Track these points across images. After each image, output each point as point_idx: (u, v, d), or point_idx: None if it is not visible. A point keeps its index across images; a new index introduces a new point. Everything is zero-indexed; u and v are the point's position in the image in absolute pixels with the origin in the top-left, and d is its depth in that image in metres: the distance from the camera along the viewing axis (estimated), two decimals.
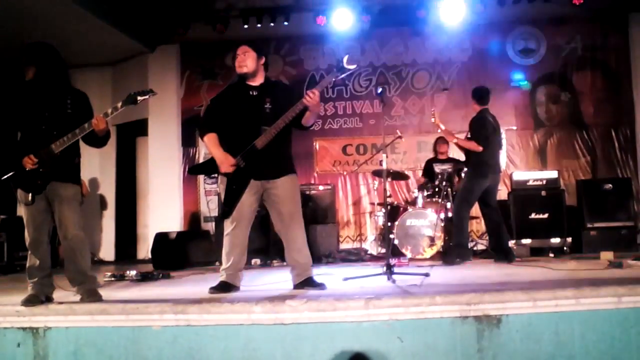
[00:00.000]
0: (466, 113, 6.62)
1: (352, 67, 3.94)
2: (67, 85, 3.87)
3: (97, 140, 3.81)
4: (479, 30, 9.02)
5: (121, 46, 9.17)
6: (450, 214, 6.75)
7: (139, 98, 3.73)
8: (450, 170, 7.19)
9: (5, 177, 3.73)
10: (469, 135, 6.14)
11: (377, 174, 7.60)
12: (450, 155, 7.81)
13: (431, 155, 8.08)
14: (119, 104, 3.72)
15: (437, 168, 7.56)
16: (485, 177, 5.93)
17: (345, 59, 3.92)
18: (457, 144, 6.28)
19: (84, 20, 7.95)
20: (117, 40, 8.81)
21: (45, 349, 3.40)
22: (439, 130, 6.39)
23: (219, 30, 8.90)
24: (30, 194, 3.69)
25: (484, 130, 5.98)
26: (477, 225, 8.25)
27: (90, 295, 3.78)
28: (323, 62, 9.16)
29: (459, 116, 8.44)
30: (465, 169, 6.38)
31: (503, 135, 8.28)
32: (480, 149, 5.88)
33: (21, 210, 3.82)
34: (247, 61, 4.04)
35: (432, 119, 6.38)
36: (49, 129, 3.70)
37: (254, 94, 4.07)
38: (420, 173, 8.24)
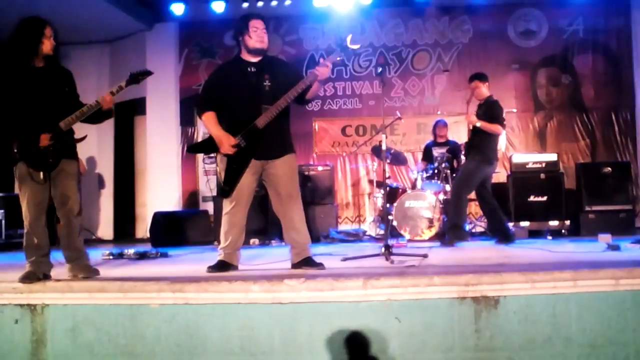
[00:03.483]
0: (466, 95, 6.57)
1: (356, 46, 3.92)
2: (58, 63, 3.89)
3: (101, 117, 3.85)
4: (480, 11, 8.94)
5: (119, 24, 9.08)
6: (449, 196, 6.75)
7: (139, 77, 3.81)
8: (448, 153, 7.17)
9: (20, 155, 3.69)
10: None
11: (375, 151, 7.51)
12: (450, 138, 7.79)
13: (430, 138, 8.05)
14: (123, 83, 3.78)
15: (436, 152, 7.55)
16: (491, 164, 5.99)
17: (348, 39, 3.88)
18: (482, 127, 6.06)
19: None
20: (115, 17, 8.72)
21: (43, 325, 3.41)
22: (466, 117, 6.23)
23: (217, 9, 8.80)
24: (41, 173, 3.69)
25: (501, 115, 6.02)
26: (476, 208, 8.25)
27: (89, 271, 3.83)
28: (323, 41, 9.08)
29: (459, 98, 8.39)
30: (465, 152, 6.35)
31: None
32: (502, 132, 5.96)
33: (17, 188, 3.79)
34: (265, 38, 4.00)
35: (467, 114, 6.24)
36: (54, 107, 3.72)
37: (253, 70, 4.02)
38: (420, 156, 8.23)
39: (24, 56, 3.71)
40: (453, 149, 7.38)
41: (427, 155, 7.74)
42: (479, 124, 6.02)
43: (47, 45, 3.72)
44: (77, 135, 3.92)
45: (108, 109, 3.80)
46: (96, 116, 3.82)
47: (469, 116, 6.13)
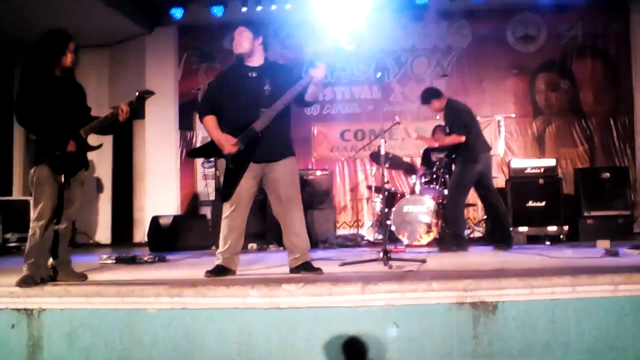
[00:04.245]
0: (465, 100, 6.59)
1: (351, 47, 3.94)
2: (74, 77, 4.07)
3: (114, 128, 4.01)
4: (479, 16, 8.96)
5: (118, 27, 9.09)
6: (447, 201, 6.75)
7: (146, 96, 4.03)
8: (446, 158, 7.17)
9: (50, 157, 3.75)
10: (447, 129, 6.11)
11: (374, 157, 7.54)
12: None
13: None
14: (134, 99, 3.97)
15: (434, 157, 7.55)
16: (477, 161, 5.86)
17: (343, 39, 3.90)
18: (441, 146, 6.25)
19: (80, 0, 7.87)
20: (114, 21, 8.73)
21: (40, 330, 3.39)
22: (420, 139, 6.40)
23: (216, 13, 8.82)
24: (62, 176, 3.76)
25: (458, 119, 5.94)
26: (474, 213, 8.25)
27: (78, 277, 3.90)
28: (322, 46, 9.06)
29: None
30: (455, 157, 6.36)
31: (502, 123, 8.29)
32: (463, 139, 5.84)
33: (34, 191, 3.81)
34: (242, 42, 4.05)
35: (414, 134, 6.41)
36: (74, 116, 3.87)
37: (254, 75, 4.05)
38: (418, 160, 8.23)
39: (47, 64, 3.83)
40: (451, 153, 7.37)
41: (426, 160, 7.74)
42: (436, 144, 6.21)
43: (68, 58, 3.89)
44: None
45: (124, 119, 3.93)
46: (110, 127, 3.98)
47: (427, 141, 6.24)
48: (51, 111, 3.78)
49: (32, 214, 3.76)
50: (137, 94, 3.98)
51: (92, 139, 4.09)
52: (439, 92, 6.20)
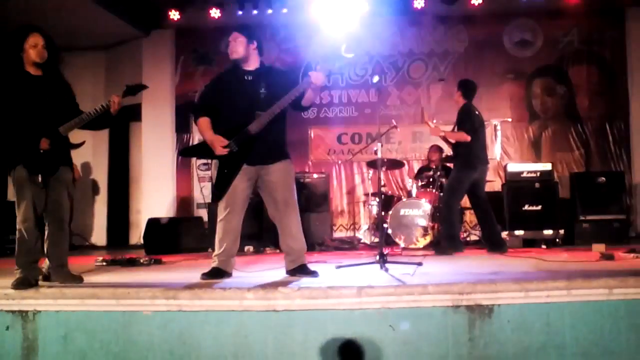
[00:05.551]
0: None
1: (350, 55, 3.97)
2: (59, 73, 3.94)
3: (106, 122, 3.88)
4: (476, 21, 8.99)
5: (115, 30, 9.08)
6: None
7: (136, 90, 3.87)
8: (442, 178, 7.18)
9: (19, 159, 3.70)
10: (456, 129, 6.15)
11: (371, 164, 7.57)
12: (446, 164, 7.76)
13: (426, 152, 8.04)
14: (121, 93, 3.82)
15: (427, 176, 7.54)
16: (474, 169, 5.96)
17: (343, 47, 3.92)
18: (444, 137, 6.27)
19: (76, 2, 7.85)
20: (111, 23, 8.72)
21: (35, 332, 3.38)
22: (430, 125, 6.35)
23: (214, 16, 8.83)
24: (40, 176, 3.71)
25: (470, 121, 5.99)
26: (471, 216, 8.25)
27: (74, 279, 3.86)
28: (319, 49, 9.09)
29: (454, 107, 8.40)
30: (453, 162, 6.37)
31: (498, 128, 8.32)
32: (469, 138, 5.89)
33: (15, 193, 3.79)
34: (237, 47, 4.06)
35: (430, 122, 6.36)
36: (51, 114, 3.76)
37: (249, 78, 4.06)
38: (415, 164, 8.24)
39: (9, 63, 3.74)
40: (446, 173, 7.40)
41: (419, 176, 7.74)
42: (442, 133, 6.18)
43: (31, 54, 3.73)
44: (74, 142, 3.95)
45: (117, 111, 3.79)
46: (101, 121, 3.85)
47: (432, 129, 6.24)
48: (21, 110, 3.68)
49: (17, 216, 3.73)
50: (125, 86, 3.84)
51: (87, 135, 4.04)
52: (471, 94, 6.23)
